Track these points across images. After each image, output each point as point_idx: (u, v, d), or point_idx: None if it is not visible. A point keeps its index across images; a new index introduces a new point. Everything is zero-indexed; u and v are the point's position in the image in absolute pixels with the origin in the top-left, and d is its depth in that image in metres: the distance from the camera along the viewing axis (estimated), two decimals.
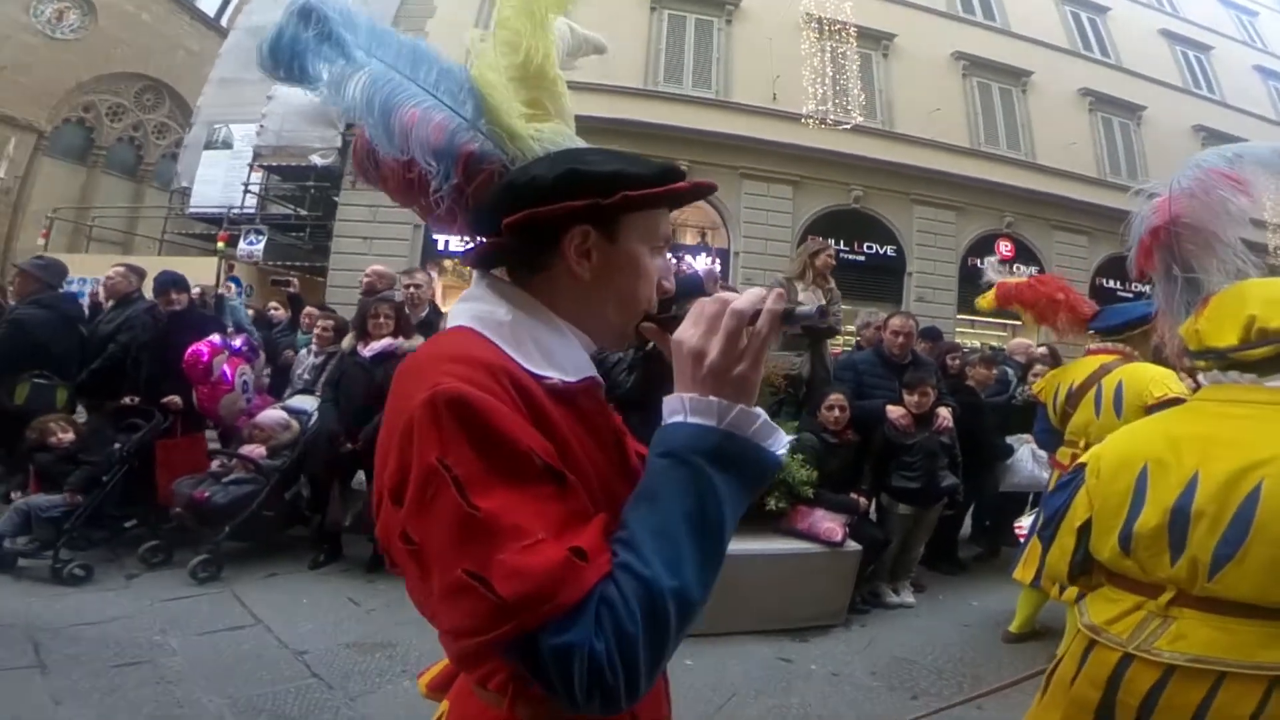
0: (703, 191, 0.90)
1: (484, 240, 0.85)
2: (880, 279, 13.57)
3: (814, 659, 3.44)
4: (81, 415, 5.02)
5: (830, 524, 3.71)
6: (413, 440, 0.67)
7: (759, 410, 0.71)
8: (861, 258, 13.62)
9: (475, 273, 0.87)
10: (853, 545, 3.77)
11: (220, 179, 13.25)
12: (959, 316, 13.77)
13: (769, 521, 3.79)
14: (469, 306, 0.83)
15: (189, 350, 4.40)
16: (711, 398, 0.69)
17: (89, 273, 8.70)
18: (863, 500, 4.06)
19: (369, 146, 0.87)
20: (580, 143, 0.90)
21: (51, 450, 4.19)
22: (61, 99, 17.98)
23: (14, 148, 16.87)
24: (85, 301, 6.42)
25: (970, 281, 13.41)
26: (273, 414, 4.64)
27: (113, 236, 17.03)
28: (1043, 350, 5.84)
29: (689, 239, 13.51)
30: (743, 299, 0.71)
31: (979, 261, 13.66)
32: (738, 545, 3.53)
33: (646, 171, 0.81)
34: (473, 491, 0.64)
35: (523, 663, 0.64)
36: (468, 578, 0.63)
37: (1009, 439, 5.01)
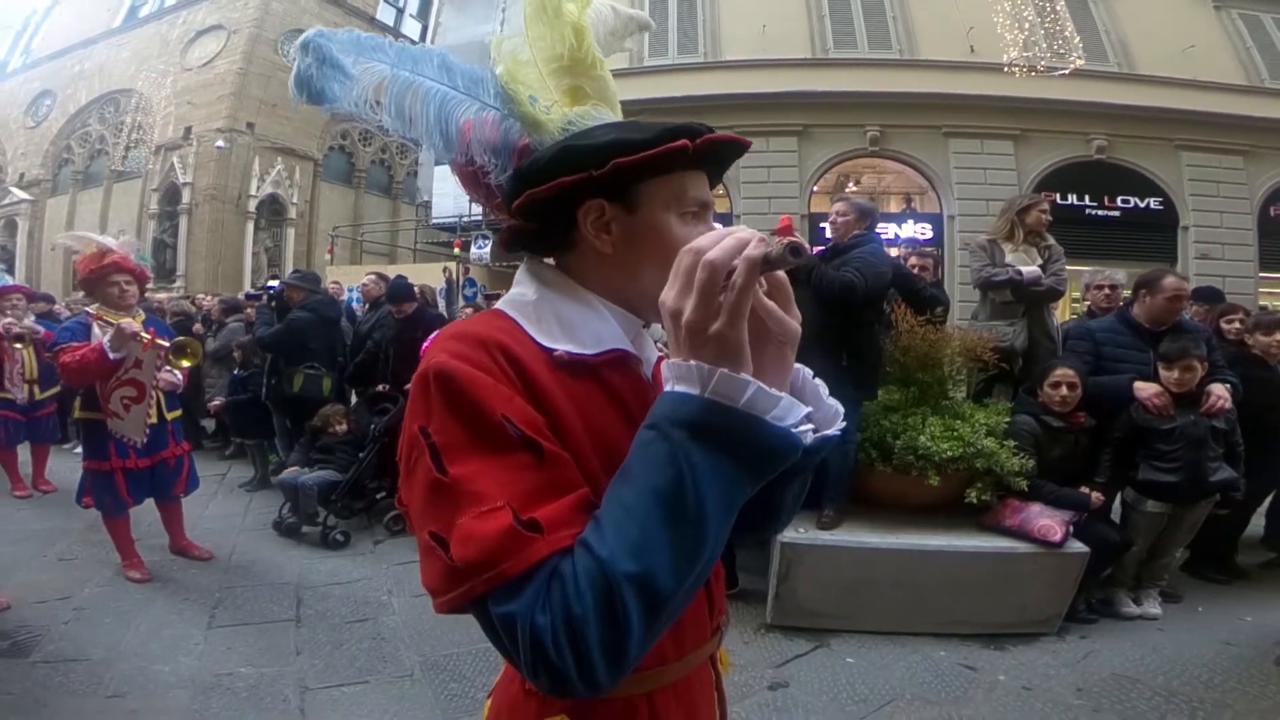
0: (727, 146, 0.84)
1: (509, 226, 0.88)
2: (1144, 235, 11.71)
3: (1005, 669, 3.01)
4: (353, 399, 6.01)
5: (1048, 521, 3.21)
6: (409, 411, 0.73)
7: (746, 377, 0.62)
8: (1116, 212, 11.84)
9: (524, 260, 0.91)
10: (1077, 546, 3.23)
11: (451, 191, 14.71)
12: (1261, 275, 11.55)
13: (970, 515, 3.39)
14: (509, 292, 0.88)
15: (425, 346, 5.00)
16: (690, 362, 0.62)
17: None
18: (1097, 495, 3.41)
19: None
20: (616, 118, 0.89)
21: (332, 437, 5.02)
22: (324, 129, 21.12)
23: (299, 176, 20.29)
24: (359, 307, 7.84)
25: (1274, 234, 11.08)
26: None
27: (379, 249, 19.83)
28: None
29: (893, 206, 12.59)
30: (718, 248, 0.62)
31: None
32: (919, 540, 3.26)
33: (642, 137, 0.78)
34: (447, 458, 0.67)
35: (483, 628, 0.65)
36: (431, 539, 0.66)
37: None
